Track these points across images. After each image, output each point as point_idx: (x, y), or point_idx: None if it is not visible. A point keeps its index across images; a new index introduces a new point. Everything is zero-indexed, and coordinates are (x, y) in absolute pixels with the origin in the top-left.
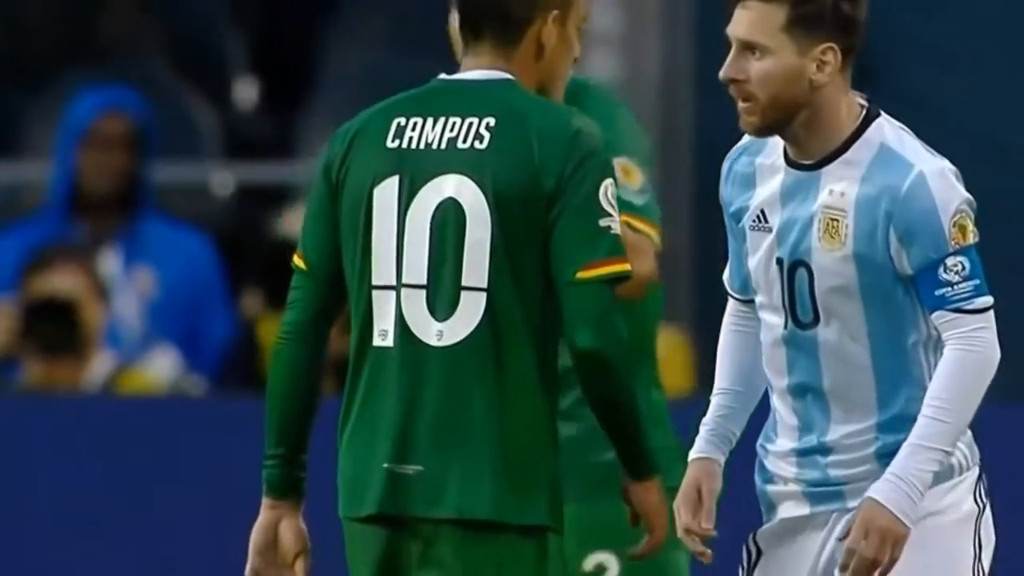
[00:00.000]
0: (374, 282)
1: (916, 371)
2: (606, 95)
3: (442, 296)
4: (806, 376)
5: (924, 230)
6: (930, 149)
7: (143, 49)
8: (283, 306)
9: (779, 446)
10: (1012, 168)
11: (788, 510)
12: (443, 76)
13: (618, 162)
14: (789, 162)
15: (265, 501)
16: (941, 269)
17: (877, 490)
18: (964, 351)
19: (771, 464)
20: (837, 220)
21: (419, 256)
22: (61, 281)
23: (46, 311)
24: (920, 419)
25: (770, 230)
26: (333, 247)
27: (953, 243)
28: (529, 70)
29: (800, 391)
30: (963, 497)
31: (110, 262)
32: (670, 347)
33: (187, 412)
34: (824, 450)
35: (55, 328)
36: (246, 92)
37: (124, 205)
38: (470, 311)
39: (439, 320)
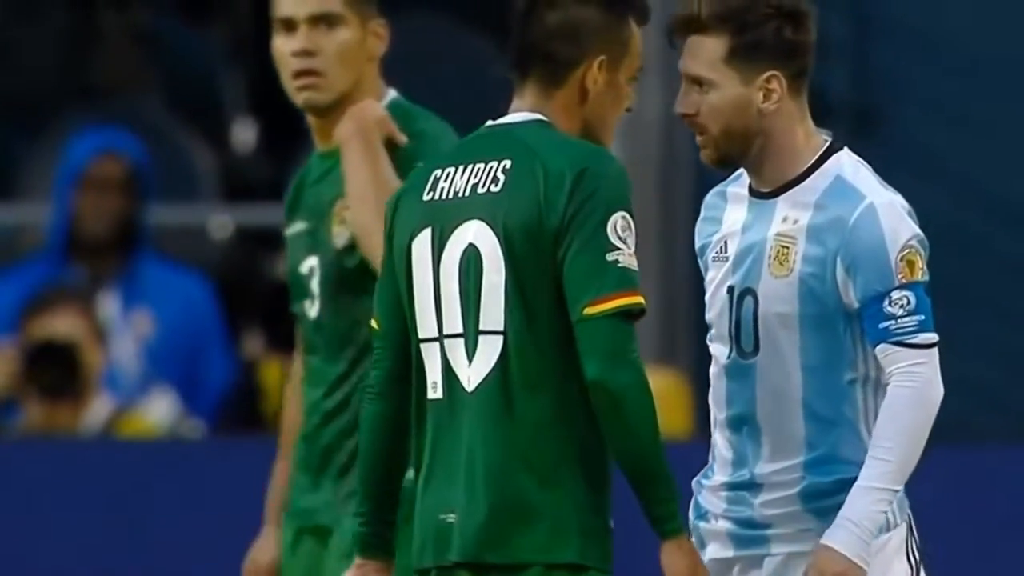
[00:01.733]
0: (420, 335)
1: (850, 412)
2: (432, 116)
3: (470, 342)
4: (742, 407)
5: (871, 262)
6: (885, 183)
7: (141, 91)
8: (282, 348)
9: (713, 481)
10: (1009, 219)
11: (715, 551)
12: (489, 123)
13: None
14: (751, 191)
15: (355, 559)
16: (886, 302)
17: (830, 536)
18: (902, 387)
19: (704, 499)
20: (787, 247)
21: (453, 306)
22: (60, 324)
23: (46, 354)
24: (867, 460)
25: (727, 259)
26: (396, 303)
27: (900, 277)
28: (571, 114)
29: (736, 423)
30: (892, 557)
31: (108, 305)
32: (669, 388)
33: (186, 455)
34: (754, 487)
35: (55, 371)
36: (244, 134)
37: (121, 248)
38: (488, 354)
39: (469, 366)
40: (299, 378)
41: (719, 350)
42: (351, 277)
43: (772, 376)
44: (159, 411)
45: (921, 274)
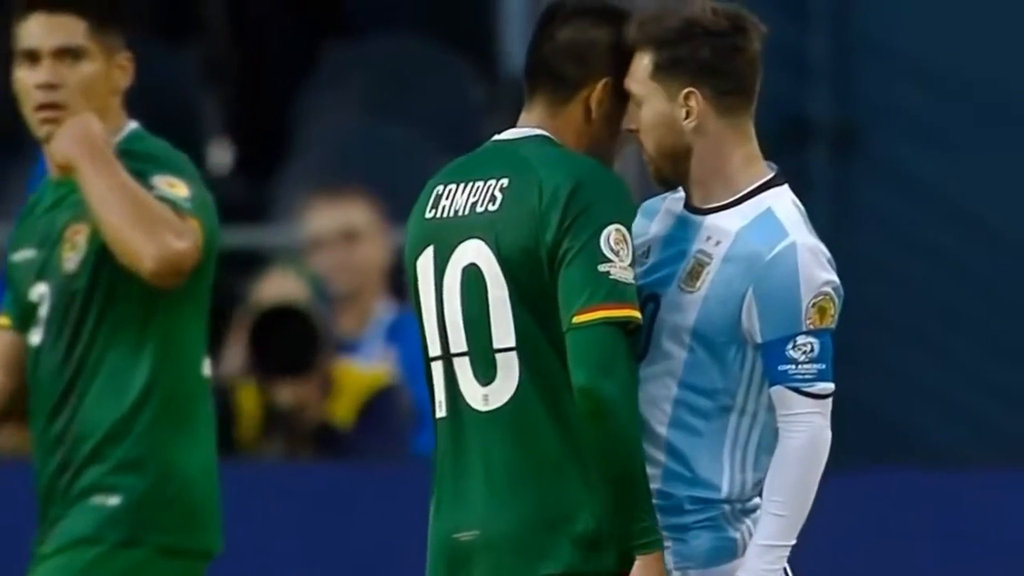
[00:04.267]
0: (430, 354)
1: (717, 436)
2: (169, 147)
3: (480, 361)
4: None
5: (781, 301)
6: (812, 231)
7: None
8: (259, 372)
9: None
10: (992, 242)
11: None
12: (495, 137)
13: (165, 179)
14: (685, 205)
15: None
16: (789, 345)
17: None
18: (791, 438)
19: None
20: (703, 266)
21: (457, 324)
22: None
23: None
24: (762, 516)
25: (644, 264)
26: None
27: (808, 322)
28: (576, 131)
29: None
30: None
31: None
32: None
33: None
34: None
35: None
36: (221, 156)
37: None
38: (508, 372)
39: (483, 385)
40: None
41: None
42: (78, 302)
43: (653, 384)
44: None
45: (831, 322)
